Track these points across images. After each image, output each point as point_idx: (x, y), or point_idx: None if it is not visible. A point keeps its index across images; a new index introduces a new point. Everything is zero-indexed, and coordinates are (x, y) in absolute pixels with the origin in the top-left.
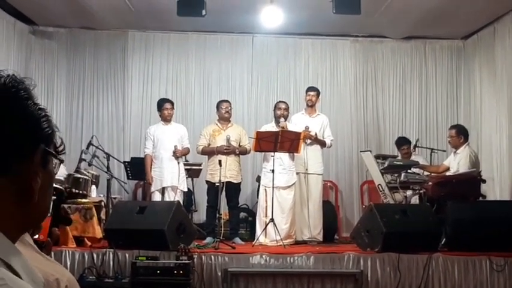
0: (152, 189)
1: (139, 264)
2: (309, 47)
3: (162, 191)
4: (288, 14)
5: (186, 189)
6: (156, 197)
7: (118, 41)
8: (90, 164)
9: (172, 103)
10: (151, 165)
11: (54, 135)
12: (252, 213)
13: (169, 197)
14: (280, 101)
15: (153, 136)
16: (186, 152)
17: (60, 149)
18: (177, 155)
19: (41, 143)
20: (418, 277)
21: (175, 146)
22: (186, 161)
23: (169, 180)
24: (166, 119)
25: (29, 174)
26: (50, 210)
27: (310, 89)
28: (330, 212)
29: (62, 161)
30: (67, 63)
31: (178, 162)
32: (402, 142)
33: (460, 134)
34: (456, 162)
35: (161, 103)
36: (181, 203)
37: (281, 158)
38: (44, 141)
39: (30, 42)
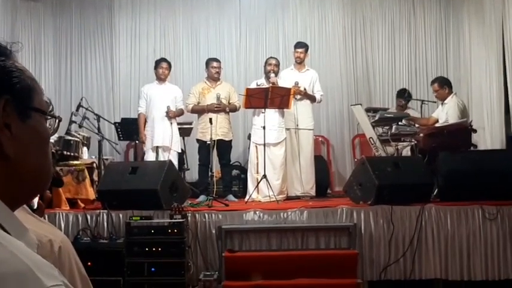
0: (145, 148)
1: (134, 224)
2: (296, 0)
3: (156, 150)
4: None
5: (179, 150)
6: (150, 156)
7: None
8: (80, 126)
9: (169, 63)
10: (144, 124)
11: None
12: (244, 171)
13: (164, 157)
14: (271, 57)
15: (146, 95)
16: (179, 113)
17: (49, 109)
18: (170, 115)
19: (5, 94)
20: (411, 228)
21: (168, 107)
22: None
23: (160, 140)
24: (160, 78)
25: None
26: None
27: (298, 45)
28: (322, 167)
29: (55, 117)
30: (53, 24)
31: (171, 123)
32: (402, 94)
33: (444, 85)
34: (444, 113)
35: (158, 62)
36: (176, 163)
37: (271, 115)
38: (10, 92)
39: (16, 4)
